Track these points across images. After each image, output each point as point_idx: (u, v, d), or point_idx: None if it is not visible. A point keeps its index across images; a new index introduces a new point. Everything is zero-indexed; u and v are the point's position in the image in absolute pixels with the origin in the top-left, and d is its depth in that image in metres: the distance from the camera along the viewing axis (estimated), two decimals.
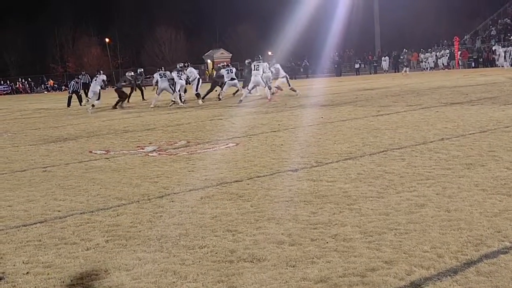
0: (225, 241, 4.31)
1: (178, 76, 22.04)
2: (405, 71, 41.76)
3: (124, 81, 24.44)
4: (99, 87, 23.54)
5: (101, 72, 25.07)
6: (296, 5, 47.52)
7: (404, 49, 52.08)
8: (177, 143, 10.37)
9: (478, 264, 3.50)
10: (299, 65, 56.41)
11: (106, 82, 24.76)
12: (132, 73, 24.30)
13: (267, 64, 23.12)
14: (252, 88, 21.56)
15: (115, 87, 23.00)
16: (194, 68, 24.54)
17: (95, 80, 24.05)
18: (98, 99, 23.36)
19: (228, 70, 23.50)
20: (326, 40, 43.98)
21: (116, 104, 22.18)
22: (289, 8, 49.02)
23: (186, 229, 4.69)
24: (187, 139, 10.85)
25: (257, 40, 66.25)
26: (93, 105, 22.68)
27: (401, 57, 50.31)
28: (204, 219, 4.95)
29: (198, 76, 23.53)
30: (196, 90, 22.92)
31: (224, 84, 23.21)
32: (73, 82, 28.30)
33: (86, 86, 35.83)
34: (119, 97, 22.50)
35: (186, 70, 23.31)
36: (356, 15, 54.88)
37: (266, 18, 68.01)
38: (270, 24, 60.22)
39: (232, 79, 23.49)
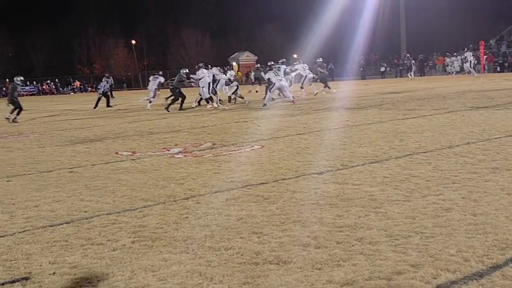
0: (250, 243, 4.33)
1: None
2: (410, 75, 41.31)
3: (181, 80, 22.78)
4: (155, 87, 23.60)
5: (159, 74, 24.71)
6: (322, 8, 47.45)
7: (407, 54, 50.89)
8: (202, 145, 10.42)
9: (504, 268, 3.48)
10: (325, 68, 56.19)
11: (163, 83, 24.62)
12: (187, 70, 23.22)
13: (286, 67, 23.32)
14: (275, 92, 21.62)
15: (171, 87, 22.60)
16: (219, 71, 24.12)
17: (153, 80, 24.03)
18: (153, 97, 23.41)
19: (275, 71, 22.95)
20: (351, 44, 43.84)
21: (168, 106, 21.45)
22: (315, 11, 49.00)
23: (211, 230, 4.71)
24: (212, 141, 10.89)
25: (283, 43, 66.19)
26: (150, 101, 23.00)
27: (405, 62, 49.22)
28: (230, 221, 4.97)
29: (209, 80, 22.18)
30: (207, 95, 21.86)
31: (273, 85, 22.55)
32: (103, 83, 28.60)
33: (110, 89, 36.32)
34: (173, 97, 22.01)
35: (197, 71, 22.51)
36: (382, 19, 54.63)
37: (292, 20, 68.00)
38: (296, 27, 60.23)
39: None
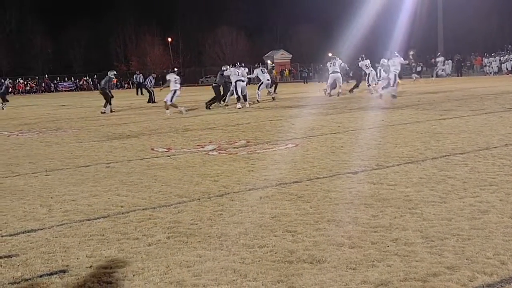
0: (284, 241, 4.33)
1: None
2: (416, 77, 40.37)
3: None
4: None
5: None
6: (358, 7, 47.12)
7: (412, 52, 48.88)
8: (236, 142, 10.46)
9: None
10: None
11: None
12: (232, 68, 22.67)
13: (341, 62, 23.88)
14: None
15: (213, 85, 22.63)
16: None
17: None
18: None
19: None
20: (388, 43, 43.37)
21: (209, 104, 21.63)
22: (351, 11, 48.68)
23: (245, 228, 4.73)
24: (246, 138, 10.92)
25: (318, 42, 66.04)
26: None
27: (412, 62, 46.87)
28: (264, 219, 4.98)
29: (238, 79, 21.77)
30: (237, 94, 21.60)
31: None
32: (150, 77, 28.96)
33: (139, 86, 36.98)
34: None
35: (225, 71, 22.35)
36: (420, 18, 53.97)
37: (328, 20, 67.78)
38: (331, 26, 60.01)
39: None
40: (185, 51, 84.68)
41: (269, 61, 37.04)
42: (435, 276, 3.48)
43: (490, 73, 47.83)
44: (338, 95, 23.63)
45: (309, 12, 72.88)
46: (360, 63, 26.67)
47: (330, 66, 24.29)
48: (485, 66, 49.72)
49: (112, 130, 14.36)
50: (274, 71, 33.25)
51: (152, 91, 28.11)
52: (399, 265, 3.69)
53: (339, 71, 24.27)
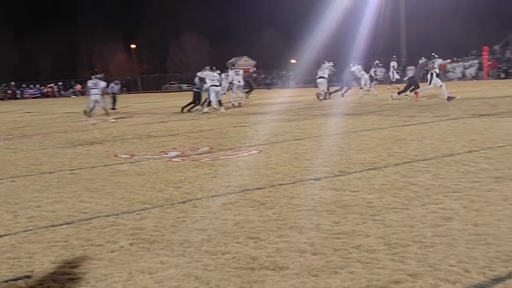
0: (247, 248, 4.28)
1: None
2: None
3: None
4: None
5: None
6: (321, 13, 47.50)
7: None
8: (200, 149, 10.39)
9: (507, 281, 3.41)
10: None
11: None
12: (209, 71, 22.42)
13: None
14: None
15: (195, 89, 22.61)
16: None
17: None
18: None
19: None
20: (351, 49, 43.83)
21: (189, 107, 21.87)
22: (314, 17, 49.04)
23: (208, 234, 4.67)
24: (210, 145, 10.86)
25: (282, 48, 66.33)
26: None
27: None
28: (227, 226, 4.93)
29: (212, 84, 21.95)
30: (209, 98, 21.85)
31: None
32: (112, 84, 28.63)
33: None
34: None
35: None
36: (382, 24, 54.64)
37: (291, 26, 68.18)
38: (294, 32, 60.30)
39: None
40: (149, 58, 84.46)
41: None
42: (397, 284, 3.46)
43: (454, 78, 48.62)
44: (318, 97, 24.63)
45: (272, 18, 73.32)
46: (353, 68, 27.17)
47: (319, 71, 25.62)
48: (449, 71, 50.54)
49: (77, 137, 14.24)
50: (254, 75, 33.81)
51: (115, 97, 27.79)
52: (361, 272, 3.67)
53: (325, 76, 25.14)
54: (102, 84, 19.82)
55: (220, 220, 5.11)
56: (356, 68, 27.11)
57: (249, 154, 9.41)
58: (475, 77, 46.76)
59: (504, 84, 34.34)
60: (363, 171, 7.23)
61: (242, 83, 24.55)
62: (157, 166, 8.58)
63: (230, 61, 71.06)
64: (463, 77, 48.19)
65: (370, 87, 27.03)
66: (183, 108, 21.99)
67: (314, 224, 4.83)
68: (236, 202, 5.81)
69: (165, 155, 9.76)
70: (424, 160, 7.81)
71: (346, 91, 26.31)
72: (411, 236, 4.37)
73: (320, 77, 25.60)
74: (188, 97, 24.16)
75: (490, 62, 48.23)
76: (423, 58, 24.43)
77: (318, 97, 25.34)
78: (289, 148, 9.83)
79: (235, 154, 9.48)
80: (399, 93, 22.55)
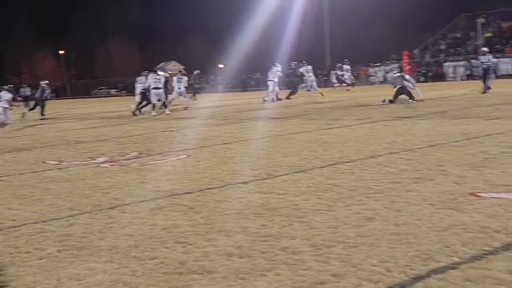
0: (175, 252, 4.31)
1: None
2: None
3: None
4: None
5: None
6: (247, 18, 47.77)
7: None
8: (128, 154, 10.32)
9: (427, 279, 3.53)
10: (251, 78, 56.70)
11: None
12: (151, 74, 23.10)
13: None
14: None
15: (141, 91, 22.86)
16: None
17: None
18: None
19: None
20: (277, 54, 44.37)
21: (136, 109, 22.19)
22: (240, 21, 49.27)
23: (136, 240, 4.67)
24: (138, 150, 10.79)
25: (209, 52, 66.31)
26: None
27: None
28: (155, 231, 4.94)
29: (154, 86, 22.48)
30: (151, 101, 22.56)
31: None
32: (42, 86, 27.73)
33: (27, 99, 35.78)
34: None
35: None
36: (307, 29, 55.43)
37: (218, 30, 68.32)
38: (222, 37, 60.42)
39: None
40: (77, 64, 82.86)
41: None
42: (322, 284, 3.56)
43: (376, 82, 49.89)
44: (263, 102, 25.25)
45: (199, 23, 73.19)
46: (301, 69, 27.92)
47: (269, 74, 26.37)
48: (371, 75, 51.83)
49: (5, 144, 13.99)
50: (197, 78, 34.17)
51: (43, 103, 26.97)
52: (287, 273, 3.76)
53: (273, 79, 25.93)
54: (7, 96, 19.41)
55: (148, 226, 5.11)
56: (304, 69, 27.94)
57: (178, 159, 9.41)
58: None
59: (422, 87, 35.49)
60: (289, 174, 7.37)
61: (182, 89, 24.57)
62: (86, 172, 8.50)
63: (159, 65, 70.37)
64: (384, 81, 49.48)
65: (310, 89, 27.87)
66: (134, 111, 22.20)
67: (242, 227, 4.91)
68: (165, 207, 5.82)
69: (93, 161, 9.66)
70: (348, 162, 8.03)
71: (290, 94, 27.11)
72: (335, 237, 4.50)
73: (270, 80, 26.36)
74: (118, 102, 23.91)
75: (410, 66, 49.74)
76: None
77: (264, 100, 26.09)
78: (217, 152, 9.89)
79: (164, 159, 9.46)
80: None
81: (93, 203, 6.21)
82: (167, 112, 21.55)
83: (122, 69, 78.07)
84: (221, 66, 48.35)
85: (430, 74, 47.24)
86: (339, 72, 38.12)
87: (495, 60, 29.39)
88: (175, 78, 25.01)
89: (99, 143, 12.62)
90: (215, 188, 6.72)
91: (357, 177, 6.90)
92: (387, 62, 52.42)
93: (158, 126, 16.40)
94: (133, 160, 9.56)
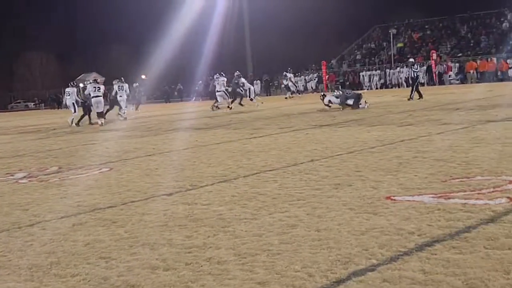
0: (98, 268, 4.24)
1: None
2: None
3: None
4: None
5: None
6: (168, 29, 47.57)
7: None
8: (48, 169, 10.04)
9: (347, 282, 3.63)
10: (173, 88, 56.41)
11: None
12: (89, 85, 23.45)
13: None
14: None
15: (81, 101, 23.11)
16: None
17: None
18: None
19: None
20: (199, 64, 44.40)
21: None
22: (162, 32, 49.00)
23: (58, 257, 4.56)
24: (58, 164, 10.52)
25: (130, 63, 65.40)
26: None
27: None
28: (77, 247, 4.84)
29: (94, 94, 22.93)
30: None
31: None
32: None
33: None
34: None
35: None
36: (228, 40, 55.86)
37: (140, 41, 67.74)
38: (143, 48, 59.92)
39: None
40: None
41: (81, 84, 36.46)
42: None
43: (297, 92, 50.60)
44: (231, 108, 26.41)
45: (120, 34, 72.17)
46: (242, 79, 28.99)
47: (217, 85, 27.48)
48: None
49: None
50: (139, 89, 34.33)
51: None
52: (212, 284, 3.78)
53: (221, 89, 27.14)
54: None
55: (70, 242, 5.00)
56: (243, 80, 28.87)
57: (100, 172, 9.25)
58: (316, 90, 49.07)
59: None
60: (214, 184, 7.39)
61: (124, 97, 25.34)
62: (2, 189, 8.21)
63: (79, 77, 68.92)
64: (305, 90, 50.41)
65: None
66: (77, 122, 22.52)
67: (166, 240, 4.88)
68: (87, 222, 5.71)
69: (11, 177, 9.33)
70: (271, 170, 8.14)
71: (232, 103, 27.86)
72: (259, 245, 4.55)
73: (218, 91, 27.47)
74: (36, 116, 23.28)
75: (328, 76, 51.00)
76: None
77: (213, 108, 27.24)
78: (140, 165, 9.79)
79: (85, 173, 9.27)
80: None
81: (12, 221, 6.01)
82: (101, 121, 21.70)
83: (40, 81, 75.99)
84: (143, 77, 47.81)
85: (347, 83, 48.49)
86: (285, 82, 39.18)
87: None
88: (115, 87, 24.86)
89: (16, 158, 12.21)
90: (138, 201, 6.65)
91: (280, 185, 7.00)
92: (306, 71, 53.49)
93: (78, 139, 16.04)
94: (53, 175, 9.31)
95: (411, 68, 25.82)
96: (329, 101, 20.83)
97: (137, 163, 10.07)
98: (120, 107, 24.69)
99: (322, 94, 22.82)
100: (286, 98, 37.18)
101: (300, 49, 63.70)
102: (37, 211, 6.44)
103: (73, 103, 23.03)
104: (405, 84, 42.10)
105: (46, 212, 6.36)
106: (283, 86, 39.21)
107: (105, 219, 5.79)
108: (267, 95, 49.73)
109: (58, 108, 59.52)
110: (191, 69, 49.26)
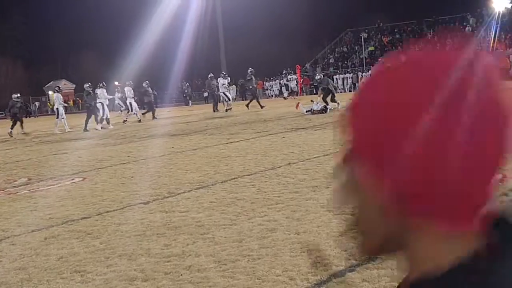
0: (72, 283, 4.07)
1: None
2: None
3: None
4: None
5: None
6: (140, 34, 47.32)
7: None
8: (16, 181, 9.76)
9: (328, 284, 3.58)
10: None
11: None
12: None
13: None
14: None
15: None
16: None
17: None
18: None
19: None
20: (172, 70, 44.13)
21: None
22: (134, 36, 48.72)
23: (29, 273, 4.37)
24: (28, 176, 10.23)
25: (101, 69, 64.84)
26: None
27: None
28: (49, 261, 4.65)
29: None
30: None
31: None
32: None
33: None
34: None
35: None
36: (202, 45, 55.75)
37: (110, 46, 67.27)
38: (114, 53, 59.35)
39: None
40: None
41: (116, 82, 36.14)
42: None
43: (272, 96, 50.76)
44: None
45: (89, 39, 71.55)
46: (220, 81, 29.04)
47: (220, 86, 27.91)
48: (267, 89, 52.70)
49: None
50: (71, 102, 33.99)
51: None
52: None
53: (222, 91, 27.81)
54: None
55: (42, 256, 4.81)
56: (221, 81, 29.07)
57: (72, 182, 9.01)
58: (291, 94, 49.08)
59: (316, 98, 36.40)
60: (192, 191, 7.24)
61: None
62: None
63: (48, 85, 68.21)
64: (280, 93, 50.43)
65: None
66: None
67: (144, 249, 4.73)
68: (59, 235, 5.51)
69: None
70: (249, 175, 8.01)
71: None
72: (239, 250, 4.43)
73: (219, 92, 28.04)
74: (2, 125, 22.94)
75: (302, 79, 51.13)
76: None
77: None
78: (115, 173, 9.57)
79: (56, 184, 9.02)
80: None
81: None
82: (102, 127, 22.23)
83: (5, 89, 74.81)
84: (116, 83, 47.45)
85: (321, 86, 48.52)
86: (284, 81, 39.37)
87: None
88: (98, 91, 24.63)
89: None
90: (114, 210, 6.47)
91: (258, 189, 6.89)
92: (282, 75, 53.56)
93: (49, 148, 15.70)
94: (22, 187, 9.04)
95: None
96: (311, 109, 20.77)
97: (111, 171, 9.85)
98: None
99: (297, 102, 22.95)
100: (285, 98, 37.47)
101: (274, 54, 63.90)
102: (5, 225, 6.21)
103: (102, 104, 23.47)
104: None
105: (15, 226, 6.14)
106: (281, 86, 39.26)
107: (79, 231, 5.59)
108: (242, 99, 49.64)
109: (27, 117, 58.68)
110: (165, 74, 48.99)
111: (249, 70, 30.55)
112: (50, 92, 24.10)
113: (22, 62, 76.89)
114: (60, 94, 24.61)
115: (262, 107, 26.60)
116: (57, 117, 23.56)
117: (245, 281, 3.76)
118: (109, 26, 66.41)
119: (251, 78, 30.64)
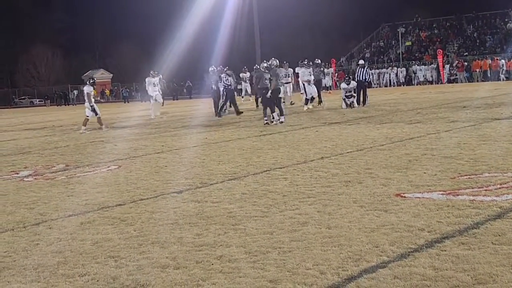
0: (106, 267, 4.16)
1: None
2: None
3: None
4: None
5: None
6: (179, 25, 47.57)
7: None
8: (55, 166, 9.97)
9: (359, 279, 3.59)
10: (182, 85, 56.32)
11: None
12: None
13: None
14: None
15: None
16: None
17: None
18: None
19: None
20: (209, 61, 44.36)
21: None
22: (172, 28, 49.01)
23: (65, 257, 4.49)
24: (65, 162, 10.45)
25: (139, 60, 65.39)
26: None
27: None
28: (85, 246, 4.76)
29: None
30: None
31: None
32: None
33: None
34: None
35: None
36: (239, 37, 55.82)
37: (148, 37, 67.76)
38: (152, 44, 59.91)
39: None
40: None
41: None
42: None
43: None
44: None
45: (129, 30, 72.05)
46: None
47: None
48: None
49: None
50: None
51: None
52: (224, 282, 3.70)
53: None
54: None
55: (78, 241, 4.93)
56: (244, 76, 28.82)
57: (108, 170, 9.18)
58: (324, 88, 48.91)
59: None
60: (224, 182, 7.32)
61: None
62: (7, 187, 8.13)
63: (86, 74, 69.12)
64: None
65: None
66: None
67: (176, 238, 4.81)
68: (95, 221, 5.64)
69: (16, 175, 9.25)
70: (281, 168, 8.06)
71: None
72: (270, 242, 4.48)
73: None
74: (43, 112, 23.23)
75: (337, 73, 50.83)
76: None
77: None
78: (149, 162, 9.71)
79: (93, 171, 9.20)
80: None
81: (16, 220, 5.93)
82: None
83: (46, 77, 75.88)
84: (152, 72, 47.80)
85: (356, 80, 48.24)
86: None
87: None
88: (149, 80, 23.70)
89: (22, 156, 12.12)
90: (148, 198, 6.58)
91: (290, 182, 6.93)
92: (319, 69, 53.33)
93: (86, 136, 15.97)
94: (59, 172, 9.24)
95: (361, 70, 21.36)
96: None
97: (145, 160, 10.00)
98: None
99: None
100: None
101: (309, 48, 63.66)
102: (43, 209, 6.37)
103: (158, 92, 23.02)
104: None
105: (53, 210, 6.29)
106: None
107: (114, 218, 5.71)
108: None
109: (65, 105, 59.59)
110: (201, 66, 49.23)
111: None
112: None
113: (61, 51, 77.93)
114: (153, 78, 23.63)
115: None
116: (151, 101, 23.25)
117: (276, 273, 3.80)
118: (148, 18, 66.90)
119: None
